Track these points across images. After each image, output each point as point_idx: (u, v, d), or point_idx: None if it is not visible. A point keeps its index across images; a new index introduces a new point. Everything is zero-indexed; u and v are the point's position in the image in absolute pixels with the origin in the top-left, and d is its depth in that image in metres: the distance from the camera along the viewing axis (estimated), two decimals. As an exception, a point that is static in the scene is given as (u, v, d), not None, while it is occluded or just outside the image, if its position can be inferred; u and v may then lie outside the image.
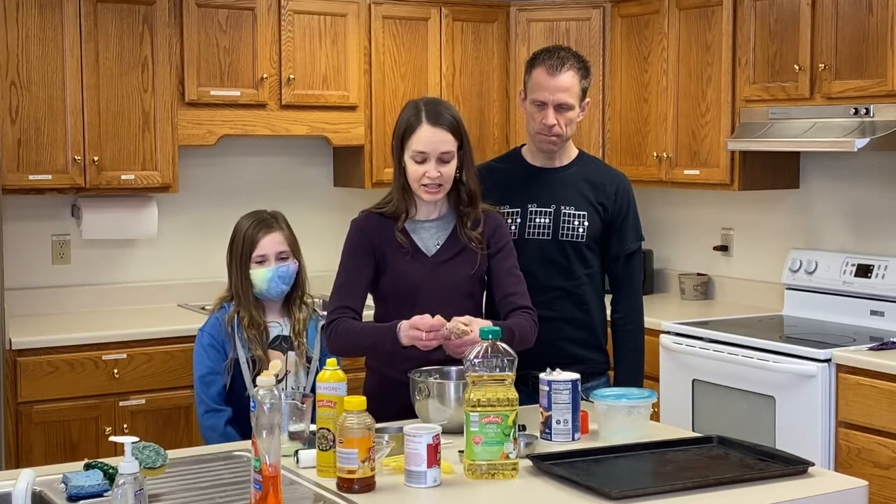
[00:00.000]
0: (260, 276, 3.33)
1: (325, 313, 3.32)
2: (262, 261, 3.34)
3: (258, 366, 3.28)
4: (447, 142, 3.01)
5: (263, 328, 3.33)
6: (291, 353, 3.34)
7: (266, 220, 3.40)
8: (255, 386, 3.24)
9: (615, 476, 2.48)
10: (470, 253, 3.10)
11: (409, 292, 3.07)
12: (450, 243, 3.10)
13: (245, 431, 3.27)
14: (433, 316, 2.89)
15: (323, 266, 5.23)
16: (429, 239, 3.10)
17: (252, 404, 2.28)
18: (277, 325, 3.38)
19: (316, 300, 3.57)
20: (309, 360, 3.35)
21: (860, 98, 4.20)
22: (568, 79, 3.29)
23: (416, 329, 2.88)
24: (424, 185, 3.01)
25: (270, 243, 3.35)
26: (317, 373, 3.35)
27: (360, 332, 3.06)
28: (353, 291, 3.10)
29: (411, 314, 2.99)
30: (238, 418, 3.28)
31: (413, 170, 3.02)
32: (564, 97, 3.29)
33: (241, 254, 3.35)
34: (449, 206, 3.12)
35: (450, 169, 3.02)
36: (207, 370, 3.30)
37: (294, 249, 3.41)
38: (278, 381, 3.28)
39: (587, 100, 3.38)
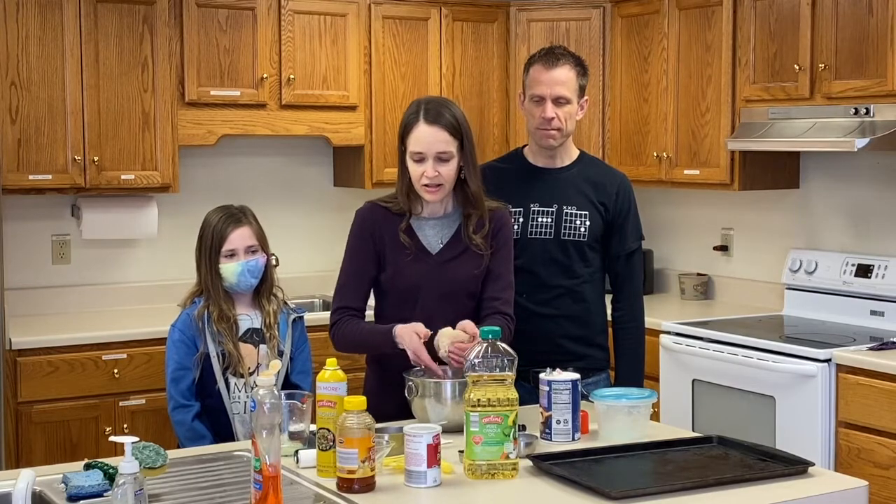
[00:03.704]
0: (230, 270, 3.37)
1: (302, 311, 3.53)
2: (232, 255, 3.38)
3: (228, 360, 3.31)
4: (444, 141, 2.99)
5: (233, 321, 3.36)
6: (263, 346, 3.37)
7: (234, 215, 3.43)
8: (225, 380, 3.31)
9: (615, 476, 2.48)
10: (473, 253, 3.09)
11: (411, 290, 3.07)
12: (453, 242, 3.10)
13: (214, 425, 3.30)
14: (433, 316, 2.92)
15: (323, 266, 5.26)
16: (433, 237, 3.10)
17: (252, 404, 2.28)
18: (247, 318, 3.41)
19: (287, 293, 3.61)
20: (280, 354, 3.37)
21: (860, 98, 4.20)
22: (564, 73, 3.32)
23: (416, 355, 2.90)
24: (424, 185, 3.01)
25: (239, 238, 3.39)
26: (288, 366, 3.39)
27: (361, 333, 3.08)
28: (356, 290, 3.12)
29: (412, 312, 3.01)
30: (207, 412, 3.32)
31: (413, 169, 3.02)
32: (561, 90, 3.31)
33: (209, 248, 3.39)
34: (455, 204, 3.12)
35: (449, 169, 3.01)
36: (177, 366, 3.34)
37: (262, 243, 3.45)
38: (250, 374, 3.31)
39: (586, 97, 3.40)
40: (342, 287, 3.14)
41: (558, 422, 2.75)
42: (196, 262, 3.43)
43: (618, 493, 2.30)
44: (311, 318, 4.05)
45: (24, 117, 4.43)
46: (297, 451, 2.58)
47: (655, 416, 3.02)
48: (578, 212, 3.36)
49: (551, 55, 3.34)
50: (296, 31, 4.92)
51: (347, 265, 3.14)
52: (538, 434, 2.77)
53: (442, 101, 3.10)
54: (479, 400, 2.46)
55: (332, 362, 2.53)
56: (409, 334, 2.92)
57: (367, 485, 2.36)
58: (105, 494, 2.34)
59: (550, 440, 2.75)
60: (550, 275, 3.35)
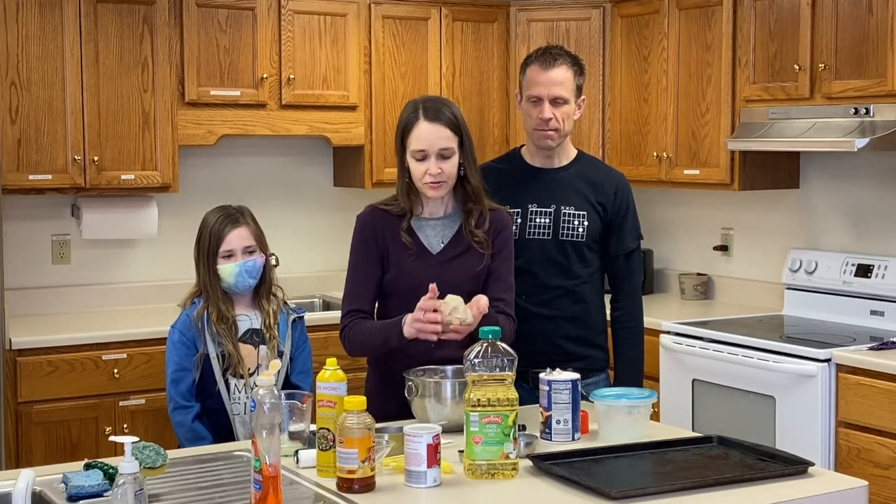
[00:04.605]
0: (227, 270, 3.37)
1: (302, 311, 3.55)
2: (229, 255, 3.38)
3: (228, 360, 3.31)
4: (445, 137, 3.00)
5: (232, 322, 3.36)
6: (263, 347, 3.37)
7: (232, 215, 3.43)
8: (224, 381, 3.31)
9: (615, 476, 2.48)
10: (474, 252, 3.10)
11: (413, 290, 3.06)
12: (455, 242, 3.10)
13: (214, 426, 3.30)
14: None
15: (323, 266, 5.26)
16: (434, 237, 3.10)
17: (252, 404, 2.28)
18: (247, 319, 3.41)
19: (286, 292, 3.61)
20: (280, 354, 3.37)
21: (860, 98, 4.20)
22: (561, 73, 3.32)
23: (418, 321, 2.88)
24: (428, 183, 3.02)
25: (237, 238, 3.39)
26: (288, 366, 3.39)
27: (370, 331, 3.07)
28: (363, 293, 3.12)
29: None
30: (207, 413, 3.32)
31: (415, 168, 3.02)
32: (559, 90, 3.31)
33: (207, 249, 3.39)
34: (455, 204, 3.12)
35: (451, 165, 3.02)
36: (176, 367, 3.33)
37: (260, 243, 3.44)
38: (250, 375, 3.31)
39: (583, 97, 3.40)
40: (350, 292, 3.13)
41: (558, 422, 2.75)
42: (195, 262, 3.44)
43: (618, 493, 2.30)
44: (311, 318, 4.06)
45: (24, 117, 4.43)
46: (297, 451, 2.58)
47: (655, 416, 3.02)
48: (576, 212, 3.36)
49: (548, 55, 3.34)
50: (296, 31, 4.92)
51: (353, 270, 3.14)
52: (538, 434, 2.77)
53: (439, 100, 3.13)
54: (479, 400, 2.46)
55: (332, 362, 2.53)
56: (414, 322, 2.90)
57: (367, 485, 2.36)
58: (105, 494, 2.34)
59: (550, 440, 2.75)
60: (549, 275, 3.35)
